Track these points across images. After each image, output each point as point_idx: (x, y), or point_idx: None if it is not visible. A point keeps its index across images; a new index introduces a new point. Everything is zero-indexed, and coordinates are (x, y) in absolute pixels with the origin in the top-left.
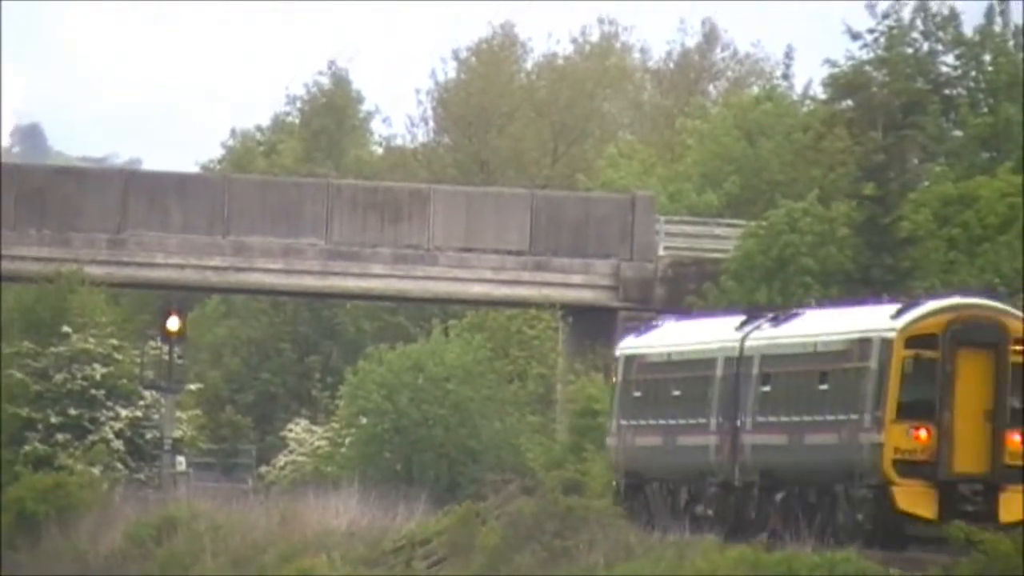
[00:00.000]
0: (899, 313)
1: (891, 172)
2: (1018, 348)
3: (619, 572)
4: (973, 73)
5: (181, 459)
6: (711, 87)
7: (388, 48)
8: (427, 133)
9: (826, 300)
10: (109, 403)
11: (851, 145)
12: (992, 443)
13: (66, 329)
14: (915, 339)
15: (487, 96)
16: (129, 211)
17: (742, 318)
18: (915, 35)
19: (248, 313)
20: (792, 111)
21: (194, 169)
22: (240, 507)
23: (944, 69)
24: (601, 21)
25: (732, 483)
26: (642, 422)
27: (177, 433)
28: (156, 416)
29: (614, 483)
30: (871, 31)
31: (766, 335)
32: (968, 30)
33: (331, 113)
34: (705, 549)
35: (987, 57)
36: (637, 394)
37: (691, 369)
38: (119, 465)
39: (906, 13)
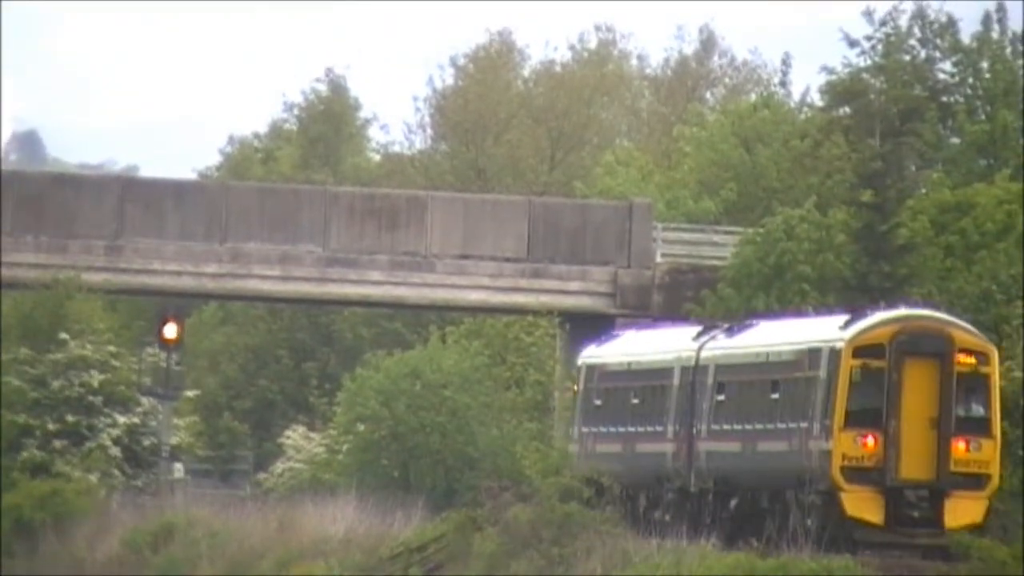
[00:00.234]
0: (847, 324)
1: (888, 179)
2: (963, 358)
3: None
4: (970, 80)
5: (179, 466)
6: (708, 94)
7: (385, 55)
8: (424, 140)
9: (823, 307)
10: (106, 410)
11: (848, 152)
12: (938, 450)
13: (63, 336)
14: (863, 349)
15: (484, 103)
16: (126, 218)
17: (699, 329)
18: (912, 42)
19: (245, 320)
20: (789, 118)
21: (191, 176)
22: (237, 514)
23: (941, 76)
24: (598, 28)
25: (688, 489)
26: (602, 429)
27: (174, 440)
28: (153, 423)
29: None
30: (868, 38)
31: (721, 345)
32: (965, 37)
33: (329, 120)
34: (702, 555)
35: (984, 64)
36: (598, 402)
37: (649, 378)
38: (116, 472)
39: (903, 20)
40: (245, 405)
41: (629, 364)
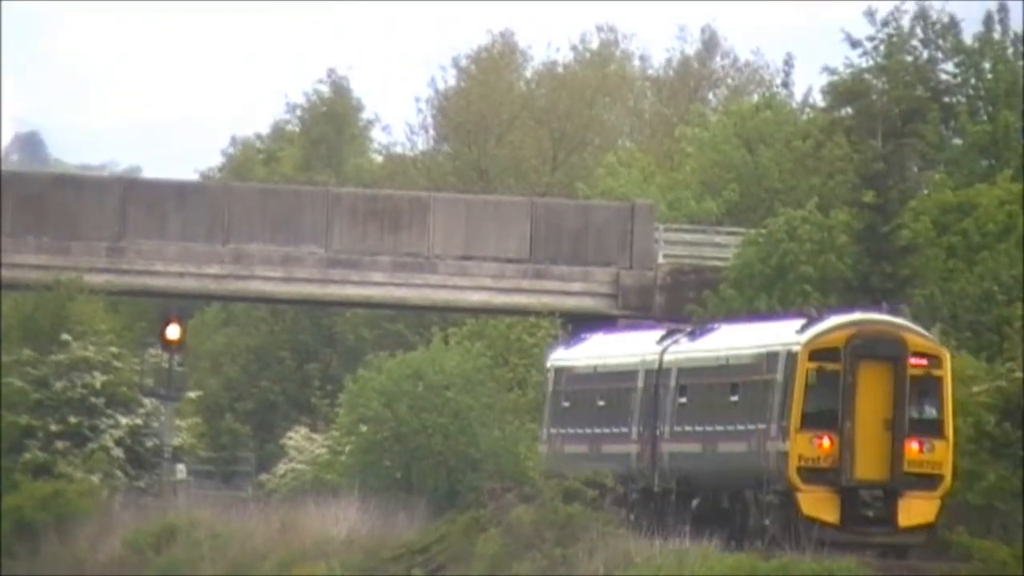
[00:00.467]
0: (804, 328)
1: (890, 180)
2: (916, 361)
3: None
4: (972, 81)
5: (181, 467)
6: (711, 95)
7: (387, 56)
8: (427, 141)
9: (826, 308)
10: (109, 411)
11: (850, 153)
12: (892, 451)
13: (65, 337)
14: (819, 352)
15: (486, 104)
16: (128, 219)
17: (663, 332)
18: (914, 43)
19: (248, 321)
20: (791, 119)
21: (193, 177)
22: (239, 515)
23: (943, 77)
24: (600, 29)
25: (652, 489)
26: (570, 430)
27: (177, 441)
28: (156, 424)
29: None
30: (871, 39)
31: (683, 349)
32: (967, 38)
33: (331, 121)
34: (704, 556)
35: (986, 65)
36: (566, 404)
37: (615, 381)
38: (119, 473)
39: (905, 21)
40: (247, 406)
41: (595, 367)
